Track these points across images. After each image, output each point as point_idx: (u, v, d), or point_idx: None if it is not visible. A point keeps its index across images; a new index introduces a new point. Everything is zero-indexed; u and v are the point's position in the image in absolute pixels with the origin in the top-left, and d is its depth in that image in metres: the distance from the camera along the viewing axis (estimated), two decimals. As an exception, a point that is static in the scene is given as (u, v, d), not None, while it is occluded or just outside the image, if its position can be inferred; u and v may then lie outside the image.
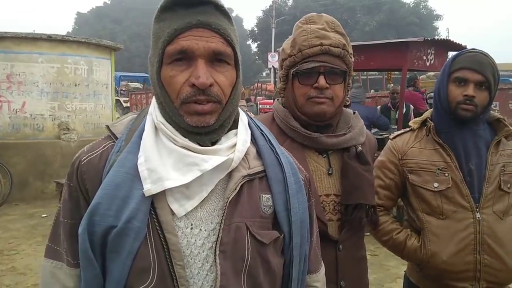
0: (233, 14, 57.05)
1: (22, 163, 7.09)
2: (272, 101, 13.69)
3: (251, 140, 1.06)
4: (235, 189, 0.96)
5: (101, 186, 0.92)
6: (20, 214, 6.45)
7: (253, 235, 0.97)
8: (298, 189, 1.06)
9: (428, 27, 38.42)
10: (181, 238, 0.93)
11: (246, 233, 0.96)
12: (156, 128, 0.97)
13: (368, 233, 5.97)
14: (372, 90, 15.47)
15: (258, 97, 19.79)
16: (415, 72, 7.61)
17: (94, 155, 0.98)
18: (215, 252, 0.93)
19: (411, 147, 1.85)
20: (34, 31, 9.30)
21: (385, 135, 6.08)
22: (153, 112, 0.99)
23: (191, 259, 0.93)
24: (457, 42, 6.23)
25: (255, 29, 42.68)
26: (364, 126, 1.57)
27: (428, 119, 1.84)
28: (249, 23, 66.70)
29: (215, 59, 0.93)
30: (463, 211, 1.72)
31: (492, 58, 1.72)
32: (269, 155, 1.05)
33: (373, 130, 6.29)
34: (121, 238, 0.89)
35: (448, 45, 6.36)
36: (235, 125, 1.03)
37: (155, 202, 0.92)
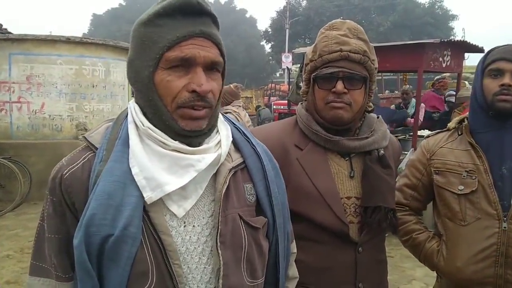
0: (247, 15, 57.14)
1: (40, 162, 7.22)
2: (286, 101, 13.70)
3: None
4: (225, 182, 1.01)
5: (93, 197, 0.92)
6: (39, 213, 6.55)
7: (247, 223, 1.04)
8: (275, 174, 1.14)
9: (443, 27, 37.96)
10: (176, 237, 0.97)
11: (240, 222, 1.03)
12: (140, 135, 0.99)
13: (386, 234, 5.95)
14: (387, 91, 15.36)
15: (272, 98, 19.80)
16: (433, 73, 7.59)
17: (76, 167, 0.98)
18: (216, 243, 0.98)
19: (441, 147, 1.76)
20: (51, 33, 9.48)
21: (400, 136, 6.09)
22: (136, 118, 1.00)
23: (187, 255, 0.98)
24: (474, 44, 6.19)
25: (269, 30, 42.65)
26: (388, 131, 1.58)
27: (465, 119, 1.76)
28: (263, 23, 66.68)
29: (210, 68, 0.98)
30: (488, 219, 1.59)
31: None
32: (246, 147, 1.11)
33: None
34: (119, 245, 0.91)
35: (465, 46, 6.32)
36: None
37: (147, 206, 0.94)
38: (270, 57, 46.08)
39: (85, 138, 1.03)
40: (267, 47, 47.45)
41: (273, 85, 22.59)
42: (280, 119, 12.51)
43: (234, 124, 1.16)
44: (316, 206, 1.40)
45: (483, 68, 1.68)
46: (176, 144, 0.97)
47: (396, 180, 1.63)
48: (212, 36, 0.97)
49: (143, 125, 0.98)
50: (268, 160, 1.13)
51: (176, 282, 0.94)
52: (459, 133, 1.74)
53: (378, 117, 1.58)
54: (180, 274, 0.94)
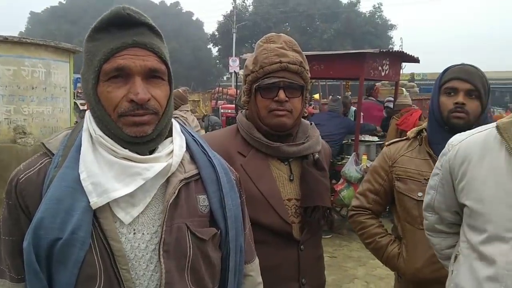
0: (193, 18, 56.67)
1: (-26, 168, 6.81)
2: (233, 105, 13.78)
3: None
4: (174, 192, 1.03)
5: (43, 201, 0.95)
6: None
7: (194, 233, 1.05)
8: (230, 187, 1.16)
9: (383, 36, 39.73)
10: (125, 244, 0.99)
11: (187, 232, 1.04)
12: (93, 143, 1.02)
13: (330, 236, 6.19)
14: (331, 96, 15.82)
15: (219, 101, 19.79)
16: (372, 81, 7.94)
17: (32, 172, 1.01)
18: (159, 252, 1.00)
19: (402, 155, 1.89)
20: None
21: (344, 141, 6.34)
22: (90, 126, 1.03)
23: (135, 262, 1.00)
24: (410, 54, 6.59)
25: (216, 33, 42.62)
26: (320, 136, 1.70)
27: (424, 129, 1.88)
28: (210, 27, 66.39)
29: (150, 75, 1.00)
30: None
31: (481, 70, 1.78)
32: (202, 158, 1.14)
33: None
34: (67, 248, 0.93)
35: (402, 56, 6.71)
36: (169, 133, 1.11)
37: (97, 212, 0.97)
38: (217, 61, 46.04)
39: (43, 144, 1.06)
40: (214, 51, 47.44)
41: (220, 88, 22.57)
42: (228, 123, 12.55)
43: (193, 135, 1.19)
44: (261, 209, 1.49)
45: (440, 86, 1.81)
46: (126, 152, 1.00)
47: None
48: (148, 44, 0.99)
49: (95, 133, 1.02)
50: (224, 174, 1.16)
51: (123, 286, 0.97)
52: (419, 143, 1.88)
53: (311, 124, 1.71)
54: (128, 279, 0.97)
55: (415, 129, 1.95)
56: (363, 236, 2.01)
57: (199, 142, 1.19)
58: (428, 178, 1.74)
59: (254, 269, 1.28)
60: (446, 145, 1.43)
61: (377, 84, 8.76)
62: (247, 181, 1.50)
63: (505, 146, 1.26)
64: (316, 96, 11.16)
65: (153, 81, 1.01)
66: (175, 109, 4.87)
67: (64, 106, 8.51)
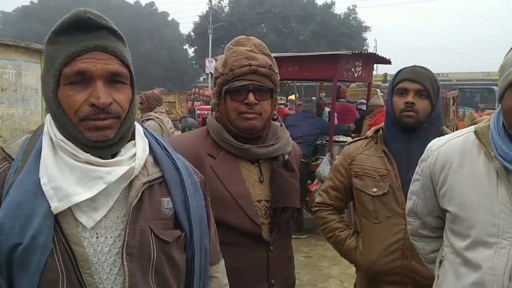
0: (169, 18, 56.24)
1: None
2: (209, 106, 13.79)
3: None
4: (137, 195, 1.03)
5: (2, 207, 0.93)
6: None
7: (157, 236, 1.05)
8: (195, 189, 1.16)
9: (357, 37, 40.34)
10: (88, 248, 0.98)
11: (151, 235, 1.04)
12: (53, 147, 1.00)
13: (305, 236, 6.24)
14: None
15: (196, 102, 19.72)
16: (345, 83, 8.05)
17: None
18: (122, 255, 0.99)
19: (360, 153, 1.98)
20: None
21: (318, 141, 6.42)
22: (51, 130, 1.02)
23: (98, 266, 0.99)
24: (382, 56, 6.72)
25: (192, 34, 42.39)
26: (290, 137, 1.72)
27: (381, 129, 1.98)
28: (185, 27, 65.85)
29: (112, 79, 0.99)
30: (396, 217, 1.82)
31: (431, 71, 1.88)
32: (166, 161, 1.14)
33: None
34: (28, 254, 0.91)
35: (374, 57, 6.82)
36: (132, 136, 1.10)
37: (59, 217, 0.95)
38: (193, 62, 45.79)
39: (2, 149, 1.04)
40: (190, 51, 47.15)
41: (196, 89, 22.46)
42: (203, 124, 12.53)
43: (156, 138, 1.19)
44: (230, 210, 1.50)
45: (393, 87, 1.90)
46: (87, 156, 0.99)
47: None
48: (109, 48, 0.99)
49: (56, 137, 1.00)
50: (188, 176, 1.16)
51: None
52: (375, 142, 1.97)
53: (281, 125, 1.73)
54: (91, 283, 0.96)
55: (373, 129, 2.04)
56: (325, 231, 2.09)
57: (162, 145, 1.18)
58: (383, 175, 1.88)
59: (219, 270, 1.29)
60: (425, 151, 1.46)
61: (348, 85, 8.88)
62: (216, 182, 1.51)
63: (483, 151, 1.28)
64: (292, 97, 11.25)
65: (115, 85, 1.01)
66: (150, 111, 4.82)
67: (36, 108, 8.30)
